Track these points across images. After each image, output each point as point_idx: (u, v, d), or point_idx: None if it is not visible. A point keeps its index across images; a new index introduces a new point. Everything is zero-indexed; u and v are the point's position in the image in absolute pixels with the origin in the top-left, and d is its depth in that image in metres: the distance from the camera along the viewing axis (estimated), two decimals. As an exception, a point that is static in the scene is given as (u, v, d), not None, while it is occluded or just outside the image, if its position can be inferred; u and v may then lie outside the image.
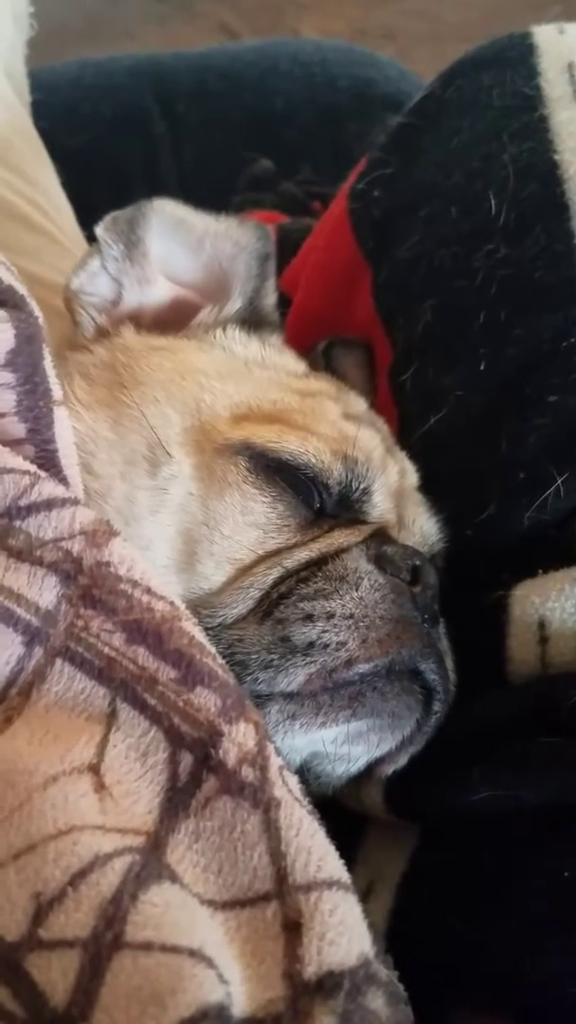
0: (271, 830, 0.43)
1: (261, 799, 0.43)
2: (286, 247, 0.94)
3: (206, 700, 0.46)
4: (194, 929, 0.39)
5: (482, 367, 0.66)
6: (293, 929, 0.41)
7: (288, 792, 0.44)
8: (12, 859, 0.40)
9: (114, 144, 1.39)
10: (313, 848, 0.43)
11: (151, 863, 0.41)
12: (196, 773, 0.45)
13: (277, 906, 0.42)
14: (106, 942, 0.37)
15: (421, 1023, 0.44)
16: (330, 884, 0.43)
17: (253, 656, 0.56)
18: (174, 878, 0.41)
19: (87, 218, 1.09)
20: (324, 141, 1.31)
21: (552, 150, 0.70)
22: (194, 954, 0.37)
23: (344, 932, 0.41)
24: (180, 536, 0.59)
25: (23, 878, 0.39)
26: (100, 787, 0.43)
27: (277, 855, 0.43)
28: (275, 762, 0.45)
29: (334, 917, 0.42)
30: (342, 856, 0.45)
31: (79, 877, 0.39)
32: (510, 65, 0.79)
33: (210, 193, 0.89)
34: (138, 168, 1.37)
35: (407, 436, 0.72)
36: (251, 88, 1.38)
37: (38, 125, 1.14)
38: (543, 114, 0.73)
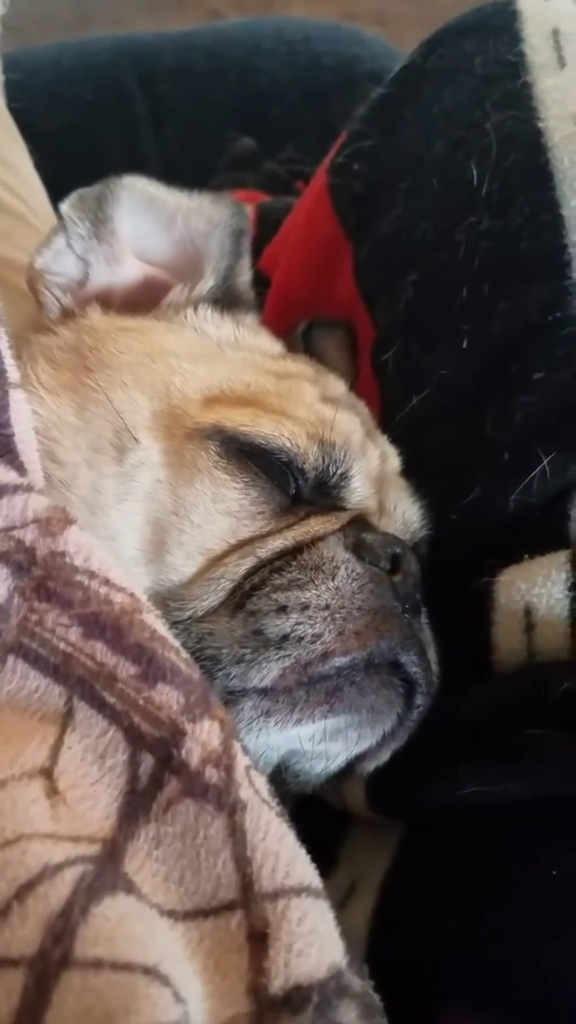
0: (236, 834, 0.40)
1: (226, 801, 0.41)
2: (266, 226, 0.91)
3: (168, 697, 0.43)
4: (150, 944, 0.36)
5: (466, 344, 0.63)
6: (259, 940, 0.39)
7: (255, 794, 0.42)
8: (-44, 870, 0.37)
9: (94, 126, 1.36)
10: (281, 852, 0.40)
11: (106, 873, 0.38)
12: (157, 775, 0.42)
13: (242, 915, 0.39)
14: (54, 960, 0.35)
15: (412, 1024, 0.42)
16: (299, 891, 0.40)
17: (224, 650, 0.53)
18: (130, 888, 0.38)
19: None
20: (309, 120, 1.28)
21: (536, 118, 0.67)
22: (149, 972, 0.35)
23: (313, 942, 0.39)
24: (148, 525, 0.56)
25: (-34, 891, 0.37)
26: (53, 792, 0.40)
27: (242, 861, 0.40)
28: (241, 762, 0.42)
29: (303, 926, 0.39)
30: (323, 855, 0.43)
31: (26, 889, 0.36)
32: (493, 32, 0.76)
33: (193, 175, 0.86)
34: (119, 151, 1.34)
35: (389, 418, 0.69)
36: (235, 67, 1.35)
37: (14, 106, 1.11)
38: (527, 81, 0.69)
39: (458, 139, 0.71)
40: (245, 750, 0.43)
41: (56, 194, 1.09)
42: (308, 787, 0.58)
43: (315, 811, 0.61)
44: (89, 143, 1.33)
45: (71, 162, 1.24)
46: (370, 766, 0.57)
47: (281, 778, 0.57)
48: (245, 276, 0.72)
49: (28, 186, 0.96)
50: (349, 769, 0.58)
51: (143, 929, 0.37)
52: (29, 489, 0.47)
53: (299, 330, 0.79)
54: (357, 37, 1.36)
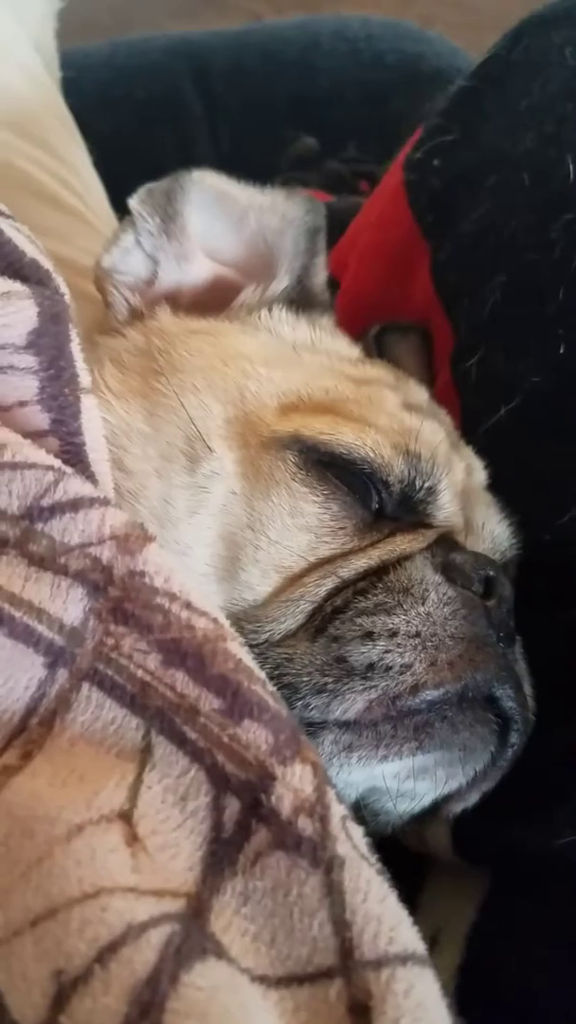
0: (334, 894, 0.36)
1: (322, 857, 0.37)
2: (333, 227, 0.87)
3: (255, 735, 0.39)
4: (245, 1018, 0.32)
5: (562, 350, 0.59)
6: (361, 1013, 0.34)
7: (353, 848, 0.37)
8: (29, 926, 0.34)
9: (147, 127, 1.33)
10: (384, 916, 0.36)
11: (193, 934, 0.34)
12: (244, 822, 0.38)
13: (342, 984, 0.35)
14: (140, 1036, 0.31)
15: None
16: (404, 959, 0.36)
17: (304, 679, 0.49)
18: (220, 952, 0.34)
19: (117, 205, 1.04)
20: (370, 120, 1.24)
21: None
22: (245, 1054, 0.31)
23: (422, 1017, 0.34)
24: (222, 540, 0.53)
25: (42, 950, 0.33)
26: (132, 839, 0.36)
27: (341, 924, 0.36)
28: (337, 811, 0.38)
29: (410, 999, 0.35)
30: (402, 902, 0.38)
31: (108, 952, 0.33)
32: (583, 22, 0.72)
33: (248, 176, 0.83)
34: (172, 152, 1.31)
35: (472, 429, 0.65)
36: (292, 66, 1.31)
37: (68, 101, 1.09)
38: (625, 70, 0.65)
39: (550, 133, 0.66)
40: (339, 798, 0.39)
41: (108, 194, 1.07)
42: (387, 828, 0.54)
43: (391, 853, 0.56)
44: (142, 143, 1.31)
45: (123, 164, 1.21)
46: (457, 808, 0.53)
47: (359, 816, 0.53)
48: (320, 276, 0.68)
49: (87, 185, 0.94)
50: (434, 810, 0.53)
51: (237, 1001, 0.33)
52: (106, 503, 0.44)
53: (371, 335, 0.74)
54: (420, 35, 1.31)
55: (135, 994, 0.32)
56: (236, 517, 0.53)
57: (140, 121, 1.34)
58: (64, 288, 0.52)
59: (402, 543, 0.54)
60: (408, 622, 0.50)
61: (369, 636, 0.49)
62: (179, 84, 1.35)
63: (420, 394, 0.65)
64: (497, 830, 0.53)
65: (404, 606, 0.50)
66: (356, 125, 1.25)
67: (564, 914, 0.50)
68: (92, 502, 0.43)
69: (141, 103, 1.35)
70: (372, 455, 0.55)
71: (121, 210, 0.78)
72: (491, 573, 0.53)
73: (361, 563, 0.52)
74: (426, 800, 0.52)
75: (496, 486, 0.63)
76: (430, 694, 0.49)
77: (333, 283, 0.81)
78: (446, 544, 0.55)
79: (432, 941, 0.55)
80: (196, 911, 0.36)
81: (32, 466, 0.44)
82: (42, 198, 0.86)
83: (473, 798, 0.53)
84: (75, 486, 0.43)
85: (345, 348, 0.66)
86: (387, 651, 0.49)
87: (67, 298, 0.52)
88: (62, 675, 0.41)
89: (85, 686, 0.41)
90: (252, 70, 1.33)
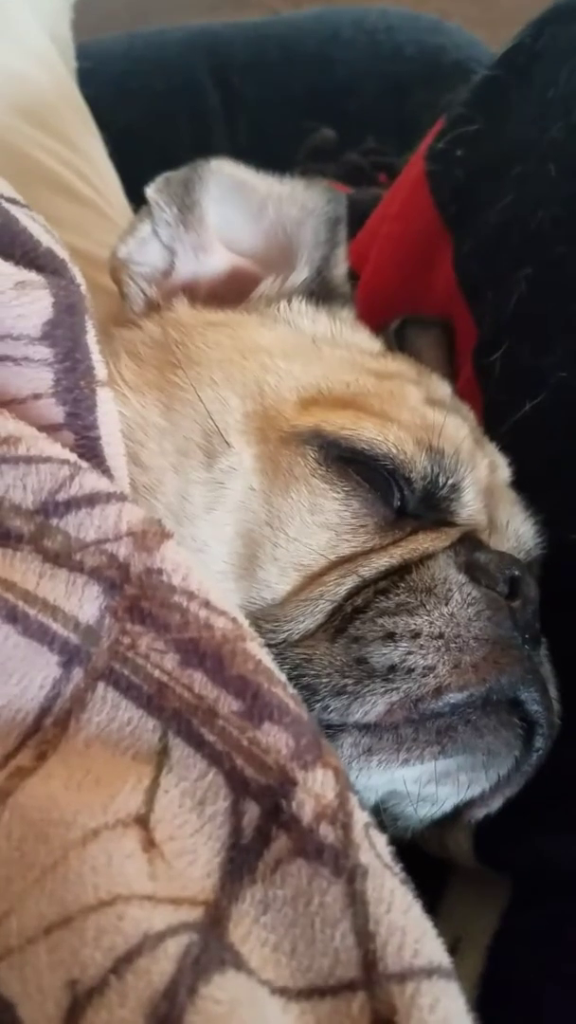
0: (356, 904, 0.35)
1: (344, 866, 0.36)
2: (352, 219, 0.85)
3: (275, 739, 0.38)
4: (265, 1034, 0.31)
5: (590, 345, 0.57)
6: (384, 1029, 0.33)
7: (376, 857, 0.36)
8: (44, 934, 0.33)
9: (164, 119, 1.32)
10: (408, 927, 0.35)
11: (212, 944, 0.33)
12: (263, 828, 0.37)
13: (365, 998, 0.34)
14: (156, 1051, 0.30)
15: None
16: (429, 972, 0.35)
17: (323, 680, 0.48)
18: (239, 963, 0.33)
19: (132, 197, 1.03)
20: (389, 113, 1.22)
21: None
22: (266, 1072, 0.30)
23: (447, 1033, 0.33)
24: (239, 537, 0.51)
25: (56, 959, 0.32)
26: (149, 845, 0.35)
27: (364, 935, 0.35)
28: (360, 819, 0.37)
29: (435, 1014, 0.34)
30: (422, 909, 0.37)
31: (125, 962, 0.31)
32: (611, 9, 0.70)
33: (266, 169, 0.82)
34: (189, 144, 1.29)
35: (495, 425, 0.63)
36: (311, 58, 1.29)
37: (84, 93, 1.08)
38: None
39: (578, 122, 0.65)
40: (362, 805, 0.38)
41: (124, 185, 1.06)
42: (407, 832, 0.53)
43: (410, 858, 0.55)
44: (158, 135, 1.29)
45: (140, 156, 1.20)
46: (479, 813, 0.52)
47: (377, 820, 0.52)
48: (341, 267, 0.66)
49: (102, 176, 0.93)
50: (455, 815, 0.52)
51: (257, 1015, 0.32)
52: (122, 498, 0.42)
53: (392, 328, 0.73)
54: (440, 26, 1.30)
55: (152, 1007, 0.30)
56: (254, 513, 0.52)
57: (157, 113, 1.33)
58: (80, 279, 0.51)
59: (425, 542, 0.53)
60: (431, 623, 0.48)
61: (391, 637, 0.48)
62: (196, 76, 1.34)
63: (443, 389, 0.63)
64: (520, 836, 0.52)
65: (427, 606, 0.49)
66: (375, 117, 1.23)
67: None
68: (109, 497, 0.42)
69: (158, 95, 1.34)
70: (394, 451, 0.53)
71: (137, 202, 0.77)
72: (516, 573, 0.52)
73: (382, 562, 0.51)
74: (448, 805, 0.51)
75: (520, 483, 0.61)
76: (453, 697, 0.47)
77: (353, 276, 0.80)
78: (470, 543, 0.53)
79: (452, 949, 0.54)
80: (214, 920, 0.35)
81: (47, 460, 0.43)
82: (56, 188, 0.85)
83: (496, 803, 0.51)
84: (91, 481, 0.42)
85: (366, 341, 0.65)
86: (409, 652, 0.48)
87: (83, 289, 0.50)
88: (77, 674, 0.40)
89: (101, 686, 0.40)
90: (270, 62, 1.32)
